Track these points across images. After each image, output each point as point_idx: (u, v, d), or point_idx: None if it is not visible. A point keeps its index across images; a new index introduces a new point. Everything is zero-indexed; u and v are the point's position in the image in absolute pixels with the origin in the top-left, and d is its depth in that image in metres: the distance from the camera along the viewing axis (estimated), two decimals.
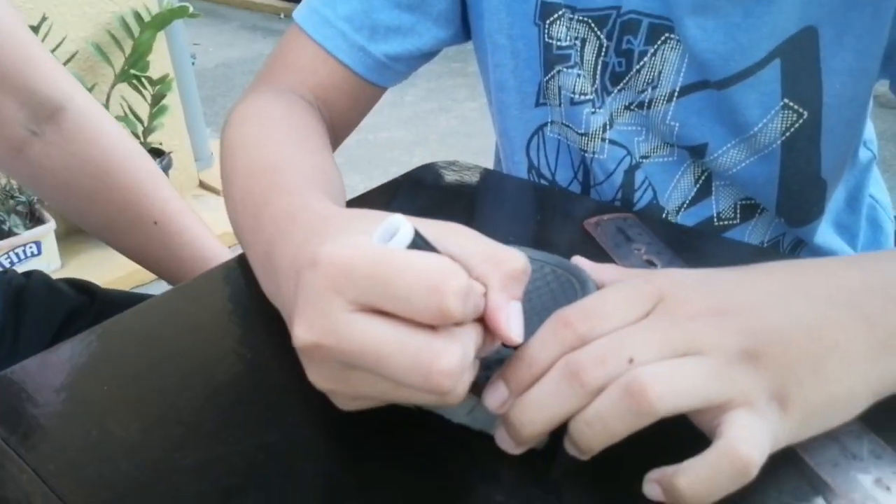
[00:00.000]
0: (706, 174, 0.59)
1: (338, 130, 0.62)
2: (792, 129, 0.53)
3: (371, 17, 0.58)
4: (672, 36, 0.54)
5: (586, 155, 0.62)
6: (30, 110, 0.65)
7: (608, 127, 0.60)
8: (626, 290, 0.31)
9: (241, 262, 0.47)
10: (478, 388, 0.31)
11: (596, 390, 0.28)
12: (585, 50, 0.58)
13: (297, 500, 0.30)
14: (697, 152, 0.57)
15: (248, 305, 0.44)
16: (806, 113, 0.52)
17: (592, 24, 0.57)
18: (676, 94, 0.55)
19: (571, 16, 0.57)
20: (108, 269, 1.79)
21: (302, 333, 0.27)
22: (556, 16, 0.58)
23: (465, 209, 0.57)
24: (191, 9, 1.84)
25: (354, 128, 0.65)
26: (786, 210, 0.58)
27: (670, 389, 0.27)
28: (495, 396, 0.30)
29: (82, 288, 0.69)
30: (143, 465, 0.32)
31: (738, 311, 0.30)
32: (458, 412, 0.33)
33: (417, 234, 0.28)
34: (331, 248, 0.27)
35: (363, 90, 0.61)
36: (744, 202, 0.60)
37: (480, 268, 0.28)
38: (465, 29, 0.64)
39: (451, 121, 3.22)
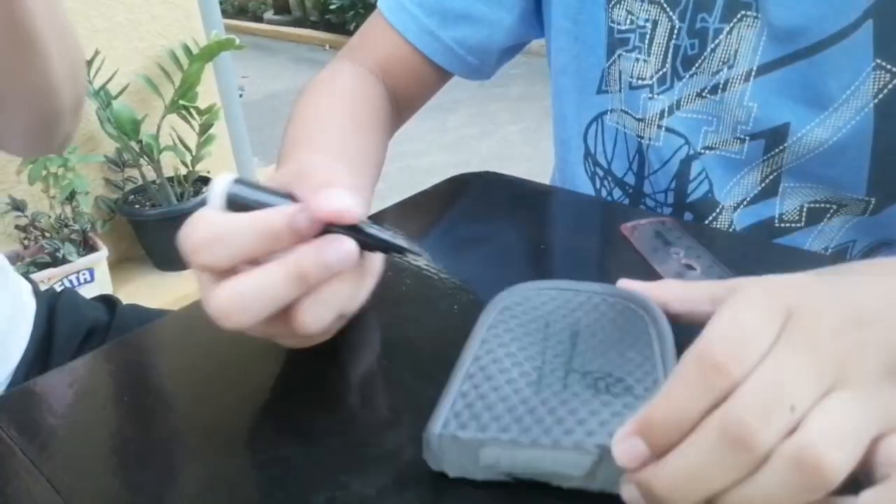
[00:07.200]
0: (775, 174, 0.56)
1: (401, 104, 0.67)
2: (885, 91, 0.49)
3: (442, 4, 0.62)
4: (749, 13, 0.52)
5: (642, 142, 0.61)
6: None
7: (666, 114, 0.58)
8: (757, 309, 0.26)
9: None
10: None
11: (765, 456, 0.23)
12: (657, 32, 0.57)
13: None
14: (778, 135, 0.54)
15: None
16: None
17: (665, 5, 0.56)
18: (754, 73, 0.53)
19: None
20: (158, 295, 1.83)
21: None
22: None
23: (497, 218, 0.56)
24: (237, 41, 1.89)
25: (418, 107, 0.70)
26: (879, 186, 0.53)
27: (842, 453, 0.23)
28: (632, 453, 0.25)
29: (105, 303, 0.70)
30: (158, 475, 0.32)
31: (871, 321, 0.26)
32: (571, 475, 0.28)
33: (238, 185, 0.32)
34: None
35: (429, 73, 0.65)
36: (813, 205, 0.56)
37: (298, 190, 0.33)
38: (539, 21, 0.66)
39: (492, 145, 3.22)
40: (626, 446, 0.25)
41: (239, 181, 0.32)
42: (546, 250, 0.45)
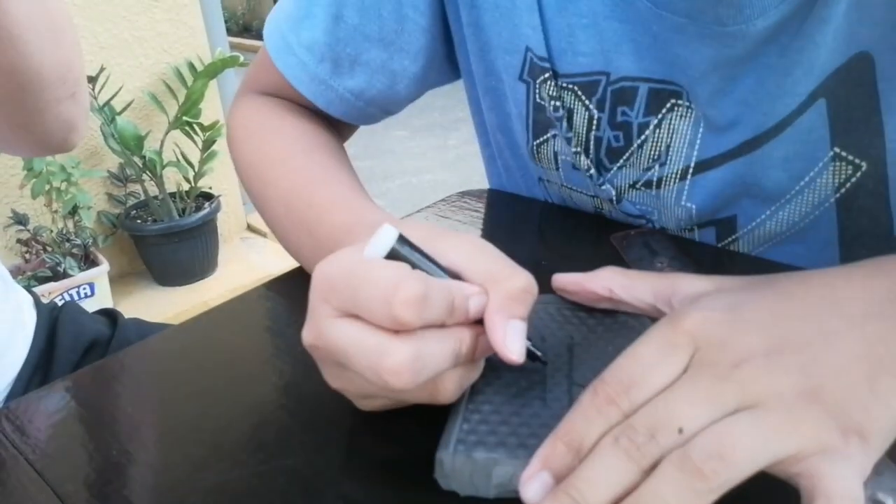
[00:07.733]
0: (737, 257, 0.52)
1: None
2: (848, 185, 0.43)
3: (333, 49, 0.52)
4: (680, 102, 0.46)
5: (602, 212, 0.56)
6: None
7: (615, 201, 0.53)
8: (658, 345, 0.28)
9: (268, 289, 0.47)
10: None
11: (649, 466, 0.25)
12: (574, 122, 0.50)
13: None
14: (727, 226, 0.49)
15: (272, 331, 0.44)
16: (864, 164, 0.42)
17: (579, 92, 0.49)
18: (691, 170, 0.47)
19: (555, 81, 0.49)
20: (159, 310, 1.83)
21: (304, 335, 0.31)
22: (542, 77, 0.50)
23: (499, 234, 0.57)
24: (241, 58, 1.91)
25: (350, 135, 0.62)
26: None
27: (726, 461, 0.24)
28: (541, 486, 0.26)
29: (107, 317, 0.70)
30: (163, 485, 0.32)
31: (781, 347, 0.27)
32: (488, 487, 0.29)
33: (401, 243, 0.30)
34: (322, 263, 0.31)
35: (334, 118, 0.57)
36: None
37: (482, 287, 0.31)
38: (451, 66, 0.58)
39: None
40: (534, 481, 0.26)
41: (403, 238, 0.31)
42: (546, 266, 0.45)
